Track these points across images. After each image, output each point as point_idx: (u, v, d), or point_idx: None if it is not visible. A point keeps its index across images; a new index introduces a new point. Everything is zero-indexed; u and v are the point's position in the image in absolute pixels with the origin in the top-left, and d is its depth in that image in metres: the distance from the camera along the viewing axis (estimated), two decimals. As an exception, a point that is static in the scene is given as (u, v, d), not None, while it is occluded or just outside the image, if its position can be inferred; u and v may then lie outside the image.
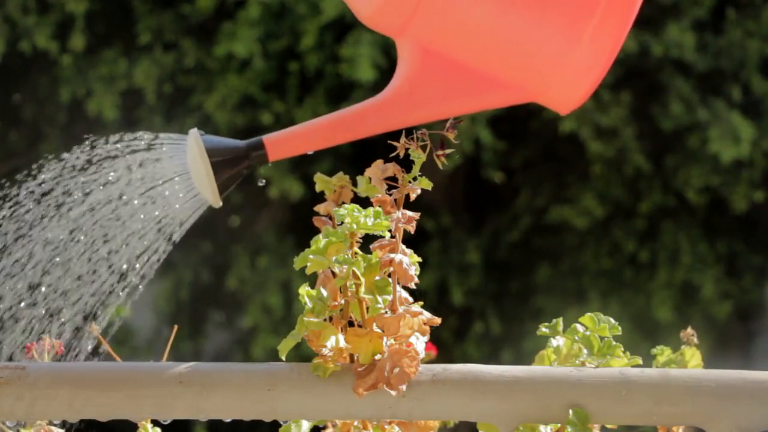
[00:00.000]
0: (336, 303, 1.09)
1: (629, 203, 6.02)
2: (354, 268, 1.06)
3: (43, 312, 1.27)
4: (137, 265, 1.31)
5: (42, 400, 1.07)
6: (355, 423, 1.15)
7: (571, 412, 1.06)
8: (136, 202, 1.28)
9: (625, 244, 6.01)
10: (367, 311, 1.09)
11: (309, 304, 1.08)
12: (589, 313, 1.14)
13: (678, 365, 1.17)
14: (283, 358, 1.09)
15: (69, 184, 1.29)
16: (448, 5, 1.29)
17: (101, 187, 1.28)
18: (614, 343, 1.12)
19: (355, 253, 1.08)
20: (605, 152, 5.73)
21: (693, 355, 1.18)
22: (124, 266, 1.31)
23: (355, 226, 1.07)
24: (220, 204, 1.29)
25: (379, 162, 1.11)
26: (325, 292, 1.09)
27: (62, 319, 1.28)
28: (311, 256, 1.07)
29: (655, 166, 5.86)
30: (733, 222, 6.13)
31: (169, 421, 1.11)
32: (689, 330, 1.19)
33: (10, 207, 1.29)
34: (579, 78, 1.35)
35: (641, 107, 5.74)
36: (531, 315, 6.02)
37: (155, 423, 1.18)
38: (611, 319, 1.13)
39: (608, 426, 1.11)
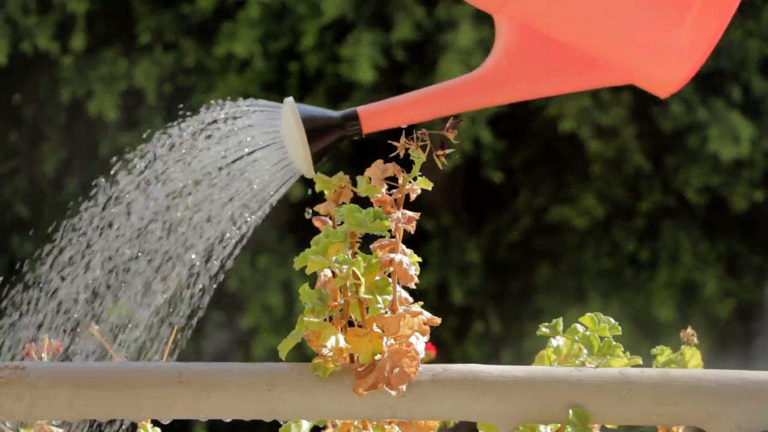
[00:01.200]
0: (336, 303, 1.09)
1: (629, 203, 6.02)
2: (354, 268, 1.06)
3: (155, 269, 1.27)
4: (228, 234, 1.31)
5: (42, 400, 1.07)
6: (355, 423, 1.15)
7: (571, 412, 1.06)
8: (229, 169, 1.27)
9: (625, 244, 6.01)
10: (367, 311, 1.09)
11: (309, 304, 1.08)
12: (589, 313, 1.14)
13: (678, 365, 1.17)
14: (283, 358, 1.09)
15: (171, 155, 1.28)
16: None
17: (199, 154, 1.27)
18: (614, 343, 1.12)
19: (355, 253, 1.08)
20: (605, 152, 5.73)
21: (693, 355, 1.18)
22: (216, 235, 1.30)
23: (355, 226, 1.07)
24: (313, 174, 1.27)
25: (379, 162, 1.11)
26: (325, 292, 1.09)
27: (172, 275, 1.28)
28: (311, 256, 1.07)
29: (655, 166, 5.86)
30: (733, 222, 6.13)
31: (168, 421, 1.11)
32: (689, 330, 1.19)
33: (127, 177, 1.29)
34: (680, 61, 1.32)
35: (641, 107, 5.74)
36: (531, 315, 6.02)
37: (155, 423, 1.18)
38: (611, 319, 1.13)
39: (608, 426, 1.11)
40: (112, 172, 1.29)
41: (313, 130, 1.27)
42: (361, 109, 1.31)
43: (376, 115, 1.32)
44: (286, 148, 1.28)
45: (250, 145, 1.27)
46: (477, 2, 1.31)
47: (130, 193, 1.29)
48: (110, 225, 1.31)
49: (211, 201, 1.28)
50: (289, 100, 1.28)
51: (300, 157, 1.27)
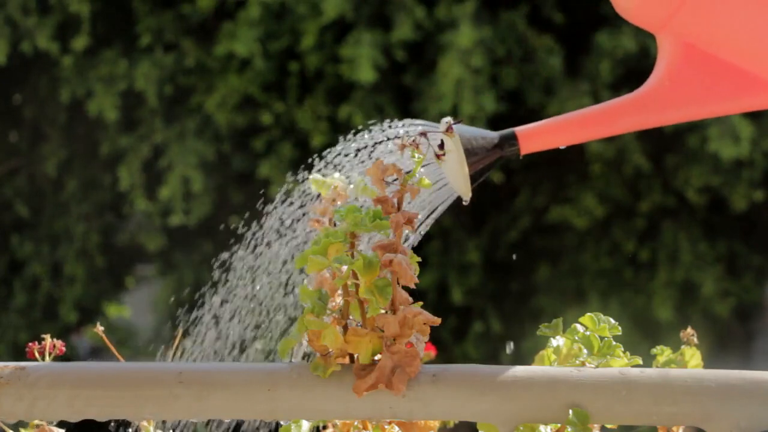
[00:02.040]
0: (336, 303, 1.09)
1: (629, 203, 6.02)
2: (354, 268, 1.06)
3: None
4: None
5: (42, 400, 1.07)
6: (355, 423, 1.15)
7: (571, 412, 1.06)
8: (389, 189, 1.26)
9: (625, 244, 6.01)
10: (367, 311, 1.09)
11: (309, 304, 1.08)
12: (589, 313, 1.14)
13: (678, 365, 1.17)
14: (283, 359, 1.09)
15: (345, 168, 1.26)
16: None
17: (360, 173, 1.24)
18: (614, 343, 1.12)
19: (354, 254, 1.08)
20: (605, 152, 5.73)
21: (693, 355, 1.18)
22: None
23: (354, 226, 1.07)
24: (470, 196, 1.25)
25: (379, 162, 1.11)
26: (325, 292, 1.09)
27: None
28: (311, 256, 1.07)
29: (655, 166, 5.86)
30: (733, 221, 6.13)
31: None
32: (689, 330, 1.19)
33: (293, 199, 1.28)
34: None
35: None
36: (531, 315, 6.02)
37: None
38: (611, 319, 1.13)
39: (608, 426, 1.11)
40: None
41: (471, 150, 1.24)
42: (519, 130, 1.29)
43: (535, 136, 1.29)
44: (443, 168, 1.26)
45: (405, 166, 1.25)
46: (640, 21, 1.27)
47: (297, 210, 1.28)
48: (269, 244, 1.30)
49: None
50: (448, 119, 1.25)
51: (457, 178, 1.24)
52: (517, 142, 1.27)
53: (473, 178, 1.24)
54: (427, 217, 1.27)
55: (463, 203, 1.27)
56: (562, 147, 1.29)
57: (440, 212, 1.28)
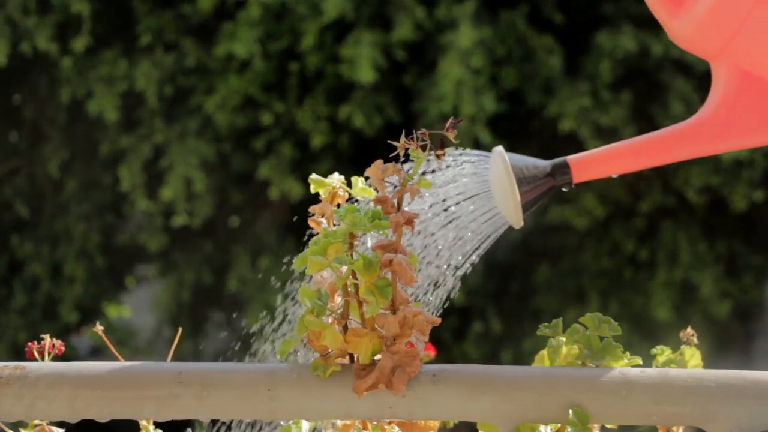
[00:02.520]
0: (335, 303, 1.09)
1: (629, 203, 6.02)
2: (354, 269, 1.06)
3: None
4: (437, 289, 1.27)
5: (42, 400, 1.07)
6: (356, 423, 1.15)
7: (571, 412, 1.06)
8: (440, 218, 1.24)
9: (625, 244, 6.01)
10: (367, 311, 1.08)
11: (308, 304, 1.08)
12: (589, 313, 1.14)
13: (678, 365, 1.17)
14: (284, 359, 1.09)
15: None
16: None
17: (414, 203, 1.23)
18: (614, 343, 1.12)
19: (354, 254, 1.08)
20: (605, 152, 5.72)
21: (693, 355, 1.18)
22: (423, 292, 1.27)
23: (353, 226, 1.07)
24: (522, 224, 1.24)
25: (379, 162, 1.11)
26: (324, 292, 1.09)
27: None
28: (311, 257, 1.07)
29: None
30: (733, 222, 6.13)
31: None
32: (689, 330, 1.19)
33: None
34: None
35: (641, 107, 5.74)
36: (531, 315, 6.02)
37: (155, 423, 1.18)
38: (611, 319, 1.13)
39: (608, 426, 1.11)
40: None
41: (523, 179, 1.23)
42: (572, 159, 1.26)
43: (587, 165, 1.27)
44: (494, 197, 1.25)
45: (461, 195, 1.24)
46: (695, 49, 1.25)
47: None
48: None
49: (420, 252, 1.25)
50: (499, 149, 1.24)
51: (509, 207, 1.23)
52: (569, 171, 1.26)
53: (525, 207, 1.23)
54: (479, 246, 1.26)
55: (515, 228, 1.26)
56: (614, 176, 1.28)
57: (492, 241, 1.27)
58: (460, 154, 1.25)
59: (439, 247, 1.25)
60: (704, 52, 1.25)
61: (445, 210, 1.20)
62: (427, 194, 1.24)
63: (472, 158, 1.26)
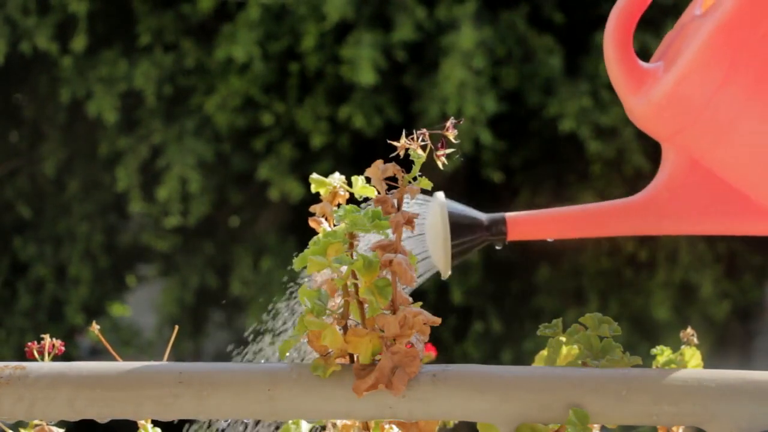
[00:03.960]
0: (335, 303, 1.09)
1: (629, 203, 6.01)
2: (354, 269, 1.06)
3: None
4: None
5: (42, 400, 1.07)
6: (356, 423, 1.15)
7: (571, 412, 1.06)
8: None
9: (625, 244, 6.01)
10: (367, 311, 1.09)
11: (308, 305, 1.08)
12: (589, 313, 1.14)
13: (678, 365, 1.17)
14: (283, 359, 1.09)
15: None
16: (733, 123, 1.18)
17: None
18: (614, 343, 1.12)
19: (354, 254, 1.08)
20: (605, 152, 5.73)
21: (693, 355, 1.18)
22: None
23: (353, 226, 1.07)
24: (449, 274, 1.24)
25: (379, 162, 1.11)
26: (324, 292, 1.09)
27: None
28: (311, 257, 1.07)
29: (655, 165, 5.85)
30: (733, 222, 6.12)
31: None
32: (689, 330, 1.19)
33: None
34: None
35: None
36: (531, 315, 6.02)
37: (155, 423, 1.18)
38: (611, 319, 1.13)
39: (608, 426, 1.11)
40: None
41: (458, 227, 1.24)
42: (510, 217, 1.27)
43: (525, 224, 1.27)
44: (427, 241, 1.25)
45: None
46: (646, 128, 1.25)
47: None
48: None
49: None
50: (440, 196, 1.25)
51: (439, 255, 1.24)
52: (505, 228, 1.26)
53: (455, 257, 1.24)
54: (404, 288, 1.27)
55: (442, 278, 1.27)
56: (549, 240, 1.28)
57: (419, 283, 1.27)
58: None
59: None
60: (657, 134, 1.26)
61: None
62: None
63: (418, 199, 1.26)
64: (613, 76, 1.25)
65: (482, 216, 1.26)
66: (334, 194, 1.16)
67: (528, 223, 1.28)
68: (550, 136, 5.85)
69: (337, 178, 1.17)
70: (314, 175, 1.17)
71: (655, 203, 1.26)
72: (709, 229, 1.27)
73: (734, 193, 1.23)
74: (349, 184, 1.16)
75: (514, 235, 1.27)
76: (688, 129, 1.21)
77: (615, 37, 1.24)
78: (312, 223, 1.16)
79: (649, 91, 1.22)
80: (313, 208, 1.16)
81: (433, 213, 1.24)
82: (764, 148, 1.19)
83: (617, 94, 1.25)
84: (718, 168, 1.22)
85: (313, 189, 1.17)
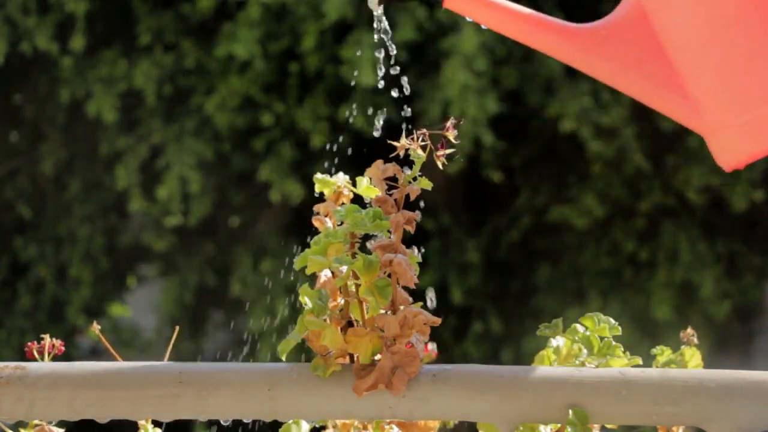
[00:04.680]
0: (336, 303, 1.09)
1: (629, 203, 6.02)
2: (354, 269, 1.06)
3: None
4: None
5: (42, 400, 1.07)
6: (356, 423, 1.15)
7: (571, 412, 1.06)
8: None
9: (625, 244, 6.01)
10: (367, 311, 1.09)
11: (309, 304, 1.08)
12: (589, 313, 1.14)
13: (678, 365, 1.17)
14: (284, 359, 1.09)
15: None
16: None
17: None
18: (614, 343, 1.12)
19: (355, 254, 1.08)
20: (605, 152, 5.73)
21: (693, 355, 1.18)
22: None
23: (354, 226, 1.07)
24: (379, 10, 1.25)
25: (379, 162, 1.11)
26: (325, 292, 1.09)
27: None
28: (311, 257, 1.07)
29: (655, 166, 5.86)
30: (733, 222, 6.12)
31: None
32: (689, 330, 1.19)
33: None
34: (745, 140, 1.25)
35: (641, 107, 5.72)
36: (531, 315, 6.02)
37: (155, 423, 1.18)
38: (611, 319, 1.13)
39: (608, 426, 1.11)
40: None
41: None
42: None
43: None
44: None
45: None
46: None
47: None
48: None
49: None
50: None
51: None
52: None
53: None
54: None
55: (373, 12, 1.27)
56: (475, 21, 1.27)
57: None
58: None
59: None
60: None
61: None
62: None
63: None
64: None
65: None
66: (339, 194, 1.16)
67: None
68: (550, 136, 5.85)
69: (341, 179, 1.17)
70: (318, 175, 1.17)
71: (592, 37, 1.27)
72: (624, 84, 1.26)
73: (664, 63, 1.23)
74: (354, 184, 1.16)
75: (450, 2, 1.26)
76: None
77: None
78: (315, 222, 1.16)
79: None
80: (317, 207, 1.16)
81: None
82: (706, 28, 1.20)
83: None
84: (661, 30, 1.22)
85: (318, 189, 1.17)
